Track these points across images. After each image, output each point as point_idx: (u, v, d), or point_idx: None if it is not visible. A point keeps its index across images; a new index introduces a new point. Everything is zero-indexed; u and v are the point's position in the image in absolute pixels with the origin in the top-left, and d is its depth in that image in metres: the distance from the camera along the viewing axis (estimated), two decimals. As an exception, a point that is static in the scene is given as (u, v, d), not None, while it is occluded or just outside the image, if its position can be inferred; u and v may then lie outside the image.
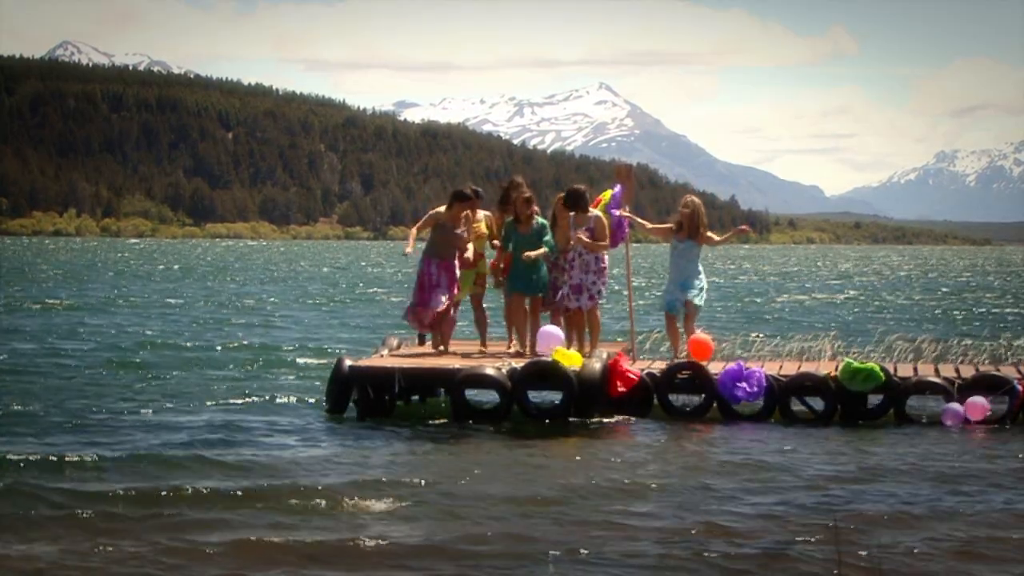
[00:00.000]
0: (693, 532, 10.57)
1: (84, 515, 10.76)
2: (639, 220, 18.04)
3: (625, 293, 19.21)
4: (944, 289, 62.85)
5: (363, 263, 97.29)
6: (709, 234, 17.84)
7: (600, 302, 17.42)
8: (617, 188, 18.06)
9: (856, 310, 43.10)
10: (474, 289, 17.70)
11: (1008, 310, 43.90)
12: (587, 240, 17.00)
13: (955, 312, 41.89)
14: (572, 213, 17.17)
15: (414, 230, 17.46)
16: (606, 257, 17.40)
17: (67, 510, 10.93)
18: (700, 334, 17.51)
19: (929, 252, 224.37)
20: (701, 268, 17.76)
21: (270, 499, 11.42)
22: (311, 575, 9.43)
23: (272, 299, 45.26)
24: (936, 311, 42.60)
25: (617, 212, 17.77)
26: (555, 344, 16.48)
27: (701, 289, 17.69)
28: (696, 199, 18.06)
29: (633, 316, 18.95)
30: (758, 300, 49.28)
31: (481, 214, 17.59)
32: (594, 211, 17.31)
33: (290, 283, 59.82)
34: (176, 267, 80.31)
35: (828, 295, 54.75)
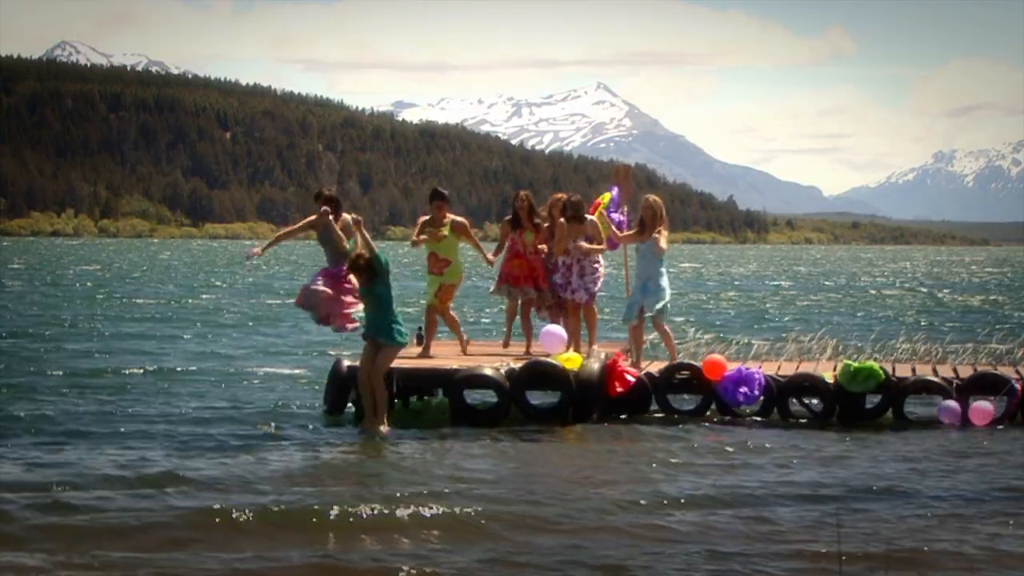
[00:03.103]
0: (692, 533, 10.57)
1: (73, 529, 10.49)
2: (617, 233, 17.55)
3: (622, 295, 19.21)
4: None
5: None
6: (661, 239, 17.25)
7: (597, 296, 17.43)
8: (614, 190, 18.07)
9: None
10: (432, 300, 17.22)
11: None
12: (586, 246, 16.98)
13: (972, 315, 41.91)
14: (563, 220, 17.15)
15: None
16: (600, 259, 17.38)
17: (57, 524, 10.62)
18: (715, 356, 17.21)
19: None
20: (664, 270, 17.50)
21: (268, 506, 11.28)
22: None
23: (271, 300, 45.24)
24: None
25: (616, 215, 17.77)
26: (559, 344, 16.46)
27: (662, 291, 17.37)
28: (656, 198, 17.69)
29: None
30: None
31: (449, 218, 17.14)
32: (590, 217, 17.29)
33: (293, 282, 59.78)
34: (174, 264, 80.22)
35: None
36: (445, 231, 17.01)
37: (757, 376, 16.49)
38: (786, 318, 37.95)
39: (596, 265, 17.25)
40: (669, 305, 17.67)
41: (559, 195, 17.81)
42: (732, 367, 16.81)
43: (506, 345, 17.88)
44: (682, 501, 11.71)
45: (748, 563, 9.71)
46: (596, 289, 17.29)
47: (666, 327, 17.61)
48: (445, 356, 17.16)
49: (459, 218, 17.31)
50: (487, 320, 33.08)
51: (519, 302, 17.64)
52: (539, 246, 17.33)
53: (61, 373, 20.86)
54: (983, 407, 16.24)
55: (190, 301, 42.90)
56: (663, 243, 17.32)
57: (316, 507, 11.11)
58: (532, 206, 17.52)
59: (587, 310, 17.29)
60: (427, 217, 17.28)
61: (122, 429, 15.46)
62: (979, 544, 10.31)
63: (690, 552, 9.99)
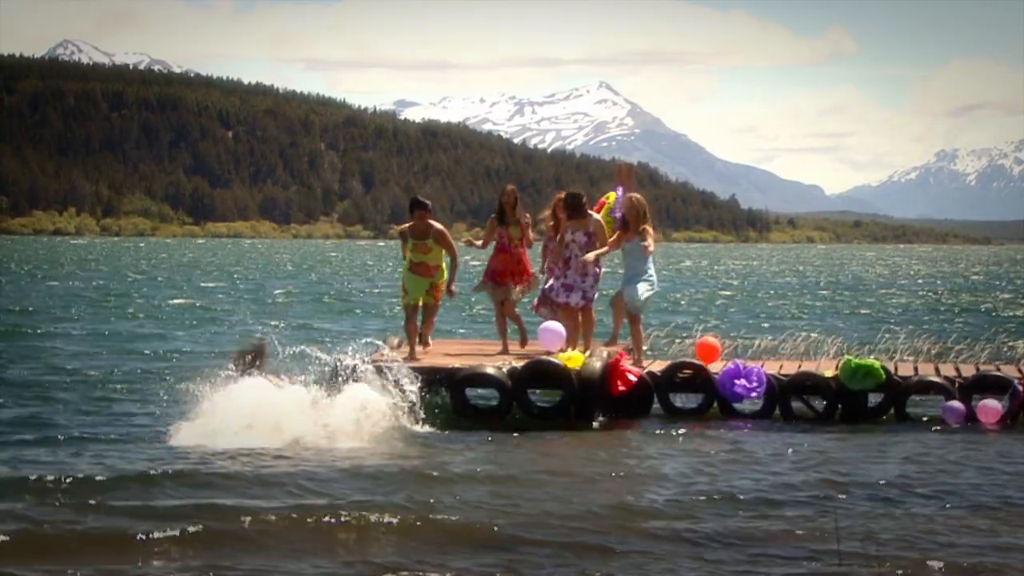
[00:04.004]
0: (692, 532, 10.55)
1: (70, 535, 10.17)
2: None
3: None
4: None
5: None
6: (648, 239, 17.31)
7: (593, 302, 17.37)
8: (619, 190, 18.06)
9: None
10: (426, 298, 17.20)
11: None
12: (591, 256, 16.93)
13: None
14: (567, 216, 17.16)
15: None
16: (602, 260, 17.34)
17: (60, 531, 10.27)
18: (708, 338, 17.33)
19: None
20: (651, 265, 17.47)
21: (266, 509, 11.16)
22: None
23: (280, 298, 45.26)
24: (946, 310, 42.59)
25: (618, 215, 17.77)
26: (557, 341, 16.45)
27: (649, 286, 17.37)
28: (639, 197, 17.57)
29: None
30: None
31: (433, 227, 16.97)
32: (594, 215, 17.25)
33: (299, 281, 59.78)
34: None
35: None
36: (430, 243, 16.93)
37: (756, 369, 16.49)
38: (788, 316, 37.93)
39: (596, 267, 17.16)
40: (646, 302, 17.65)
41: (562, 194, 17.80)
42: (729, 363, 16.81)
43: (505, 351, 17.68)
44: (682, 500, 11.67)
45: (747, 562, 9.69)
46: (593, 294, 17.20)
47: (639, 325, 17.63)
48: (446, 354, 17.15)
49: (439, 226, 17.12)
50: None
51: (502, 303, 17.72)
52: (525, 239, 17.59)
53: (56, 370, 20.84)
54: (992, 405, 16.21)
55: (190, 299, 42.92)
56: (651, 243, 17.31)
57: (313, 510, 11.01)
58: (517, 201, 17.64)
59: (584, 313, 17.17)
60: (408, 225, 17.14)
61: (122, 427, 15.44)
62: (979, 544, 10.29)
63: (690, 551, 9.97)
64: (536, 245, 18.35)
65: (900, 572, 9.48)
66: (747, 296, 51.96)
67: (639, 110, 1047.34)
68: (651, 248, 17.28)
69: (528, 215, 18.01)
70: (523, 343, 17.80)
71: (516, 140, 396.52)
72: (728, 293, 54.52)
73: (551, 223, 17.60)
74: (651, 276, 17.46)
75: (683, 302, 45.88)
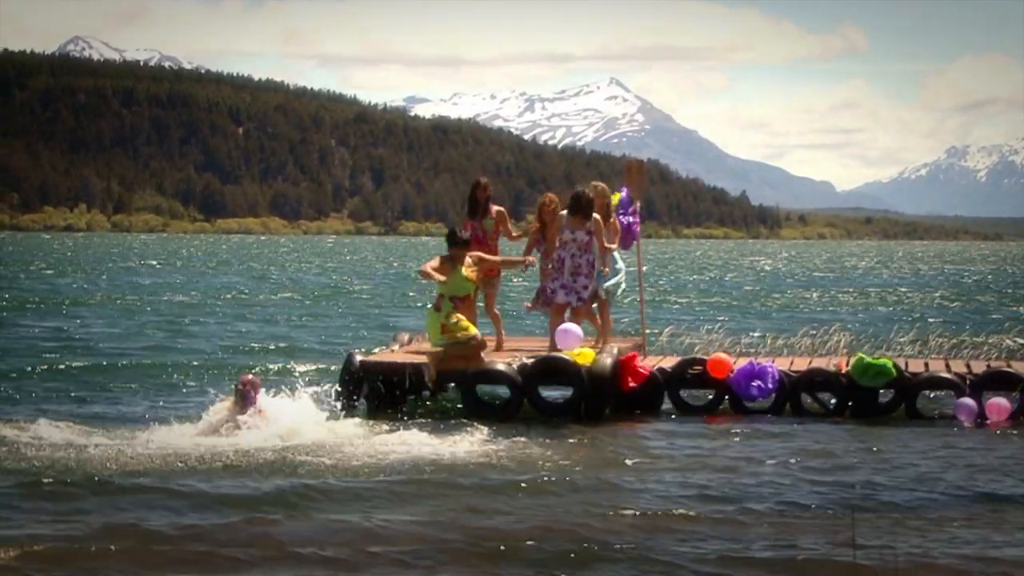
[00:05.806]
0: (706, 528, 10.54)
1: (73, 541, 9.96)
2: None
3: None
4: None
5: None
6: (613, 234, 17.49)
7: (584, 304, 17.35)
8: (624, 191, 18.05)
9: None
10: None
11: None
12: (587, 249, 16.98)
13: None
14: (564, 212, 17.16)
15: None
16: (596, 262, 17.29)
17: (58, 535, 10.08)
18: (720, 354, 17.29)
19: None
20: (617, 256, 17.52)
21: (280, 505, 11.22)
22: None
23: (288, 295, 45.28)
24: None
25: (624, 219, 17.77)
26: (575, 342, 16.40)
27: (616, 277, 17.50)
28: (604, 187, 17.66)
29: (644, 313, 18.95)
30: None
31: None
32: (594, 215, 17.22)
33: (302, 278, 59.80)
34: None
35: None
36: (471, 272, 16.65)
37: (771, 370, 16.49)
38: (799, 313, 37.89)
39: (593, 268, 17.10)
40: (619, 291, 17.72)
41: (547, 197, 17.81)
42: (743, 362, 16.81)
43: (498, 347, 17.62)
44: (693, 498, 11.67)
45: (759, 559, 9.68)
46: (586, 295, 17.10)
47: (607, 312, 17.67)
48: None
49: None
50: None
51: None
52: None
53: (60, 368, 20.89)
54: (1000, 403, 16.18)
55: (198, 296, 42.96)
56: (616, 240, 17.43)
57: (318, 520, 10.81)
58: (490, 196, 17.64)
59: (575, 313, 17.11)
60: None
61: (127, 426, 15.46)
62: (993, 542, 10.27)
63: (702, 550, 9.95)
64: (522, 244, 18.13)
65: (916, 569, 9.46)
66: (756, 292, 51.88)
67: (649, 106, 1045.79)
68: (615, 246, 17.41)
69: (497, 208, 17.81)
70: (499, 346, 17.54)
71: (526, 136, 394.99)
72: (743, 290, 54.44)
73: (537, 225, 17.51)
74: (619, 271, 17.58)
75: (693, 299, 45.84)
